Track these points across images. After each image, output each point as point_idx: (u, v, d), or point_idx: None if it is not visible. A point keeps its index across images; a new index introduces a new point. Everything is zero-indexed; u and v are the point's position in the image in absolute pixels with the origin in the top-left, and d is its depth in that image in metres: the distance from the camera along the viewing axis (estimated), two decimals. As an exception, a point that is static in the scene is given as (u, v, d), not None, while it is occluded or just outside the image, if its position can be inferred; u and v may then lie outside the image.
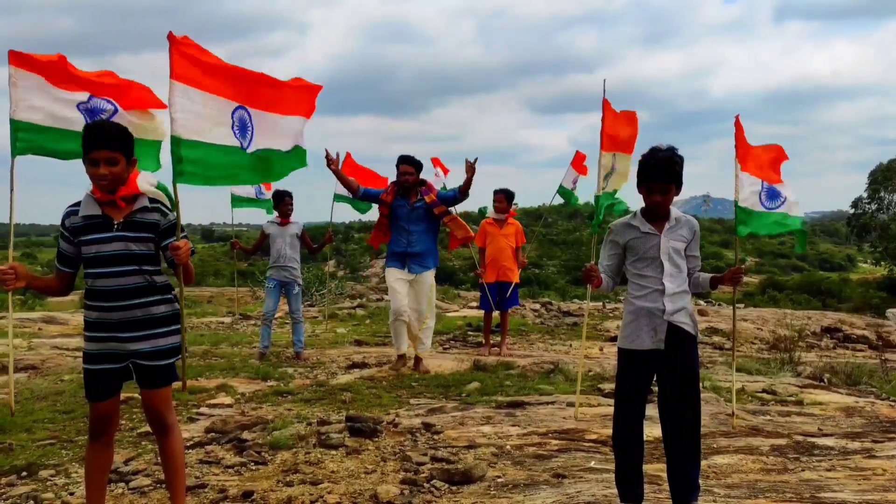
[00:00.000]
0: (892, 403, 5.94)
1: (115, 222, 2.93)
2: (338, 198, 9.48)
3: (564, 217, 69.13)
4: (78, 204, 2.98)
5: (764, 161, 5.01)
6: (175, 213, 3.14)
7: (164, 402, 3.06)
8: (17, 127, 4.24)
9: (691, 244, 3.39)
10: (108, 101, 4.50)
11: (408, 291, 6.55)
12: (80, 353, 7.34)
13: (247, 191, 10.30)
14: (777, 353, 8.12)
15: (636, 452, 3.42)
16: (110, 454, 3.14)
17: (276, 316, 7.99)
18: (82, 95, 4.44)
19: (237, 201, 10.38)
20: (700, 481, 3.49)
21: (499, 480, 3.93)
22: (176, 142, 3.99)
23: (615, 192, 5.65)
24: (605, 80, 5.21)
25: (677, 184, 3.26)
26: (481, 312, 8.96)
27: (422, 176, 6.76)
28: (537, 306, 12.97)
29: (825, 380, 6.66)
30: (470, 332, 9.70)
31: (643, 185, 3.25)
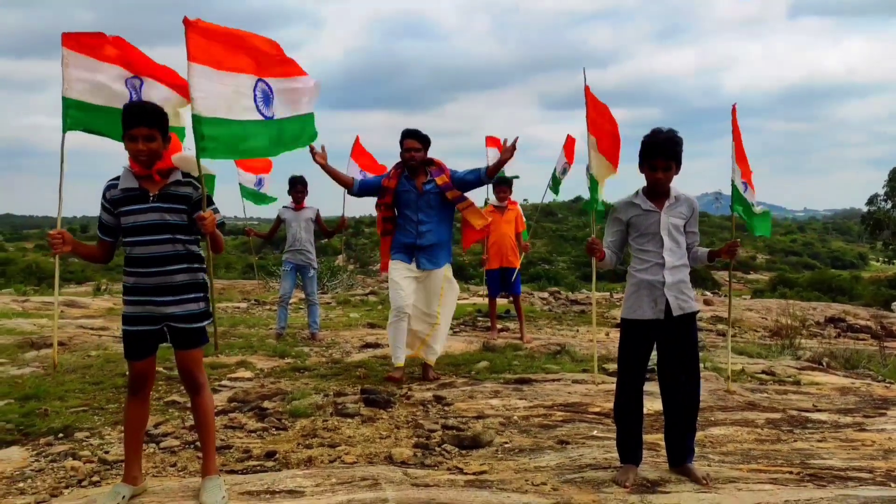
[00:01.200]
0: (888, 385, 6.13)
1: (151, 194, 3.17)
2: (244, 191, 9.44)
3: (575, 213, 69.25)
4: (117, 178, 3.23)
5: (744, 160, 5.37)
6: (202, 190, 3.38)
7: (196, 362, 3.30)
8: (67, 104, 4.54)
9: (690, 221, 3.61)
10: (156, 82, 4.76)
11: (415, 289, 5.61)
12: (104, 333, 7.62)
13: (248, 180, 10.34)
14: (779, 340, 8.31)
15: (636, 418, 3.64)
16: (147, 409, 3.39)
17: (291, 300, 8.24)
18: (128, 74, 4.71)
19: (244, 191, 10.40)
20: (695, 447, 3.74)
21: (506, 446, 4.16)
22: (197, 120, 4.27)
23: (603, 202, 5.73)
24: (584, 69, 5.48)
25: (677, 162, 3.47)
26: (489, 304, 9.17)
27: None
28: (545, 294, 13.20)
29: (824, 363, 6.85)
30: (479, 318, 9.93)
31: (646, 162, 3.47)
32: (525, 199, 8.75)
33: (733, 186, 5.24)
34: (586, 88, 5.41)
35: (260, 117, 4.61)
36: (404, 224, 5.62)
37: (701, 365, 6.06)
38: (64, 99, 4.56)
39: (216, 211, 3.33)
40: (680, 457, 3.64)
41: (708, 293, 15.31)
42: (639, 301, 3.52)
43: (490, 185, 8.33)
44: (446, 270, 5.74)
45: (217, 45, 4.44)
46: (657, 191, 3.51)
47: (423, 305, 5.67)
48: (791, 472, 3.73)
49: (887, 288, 34.70)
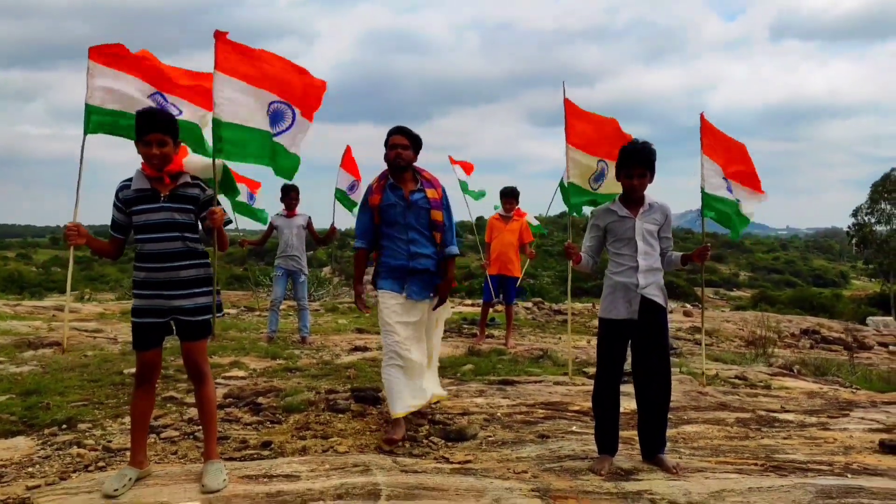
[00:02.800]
0: (854, 390, 6.43)
1: (162, 195, 3.41)
2: (236, 205, 9.71)
3: (560, 228, 69.80)
4: (130, 179, 3.47)
5: (733, 155, 5.68)
6: (212, 189, 3.62)
7: (201, 353, 3.52)
8: (89, 111, 4.86)
9: (664, 227, 3.89)
10: (175, 102, 5.04)
11: (411, 327, 4.52)
12: (98, 335, 7.77)
13: (241, 197, 10.47)
14: (753, 349, 8.61)
15: (613, 411, 3.91)
16: (152, 399, 3.61)
17: (282, 306, 8.43)
18: (151, 89, 5.01)
19: (236, 206, 10.55)
20: (667, 441, 4.00)
21: (489, 439, 4.40)
22: (217, 123, 4.65)
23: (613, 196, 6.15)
24: (563, 82, 5.95)
25: (651, 171, 3.77)
26: (476, 308, 9.43)
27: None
28: (530, 305, 13.48)
29: (795, 370, 7.15)
30: (465, 326, 10.17)
31: (622, 170, 3.76)
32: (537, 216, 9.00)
33: (703, 193, 5.60)
34: (566, 100, 5.77)
35: (269, 130, 4.92)
36: (391, 245, 4.48)
37: (676, 370, 6.35)
38: (86, 105, 4.90)
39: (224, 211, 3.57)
40: (652, 449, 3.91)
41: (688, 305, 15.66)
42: (615, 302, 3.79)
43: (498, 195, 8.63)
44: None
45: (243, 59, 4.84)
46: (632, 197, 3.79)
47: (420, 336, 4.61)
48: (756, 464, 4.00)
49: (867, 305, 35.28)
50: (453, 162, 9.98)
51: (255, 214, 10.30)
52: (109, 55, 4.91)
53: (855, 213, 42.17)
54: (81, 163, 4.82)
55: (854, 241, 42.75)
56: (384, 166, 4.58)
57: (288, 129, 5.03)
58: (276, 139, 4.94)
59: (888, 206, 40.52)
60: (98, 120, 4.88)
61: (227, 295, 18.35)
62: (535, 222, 9.45)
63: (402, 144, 4.48)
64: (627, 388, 4.13)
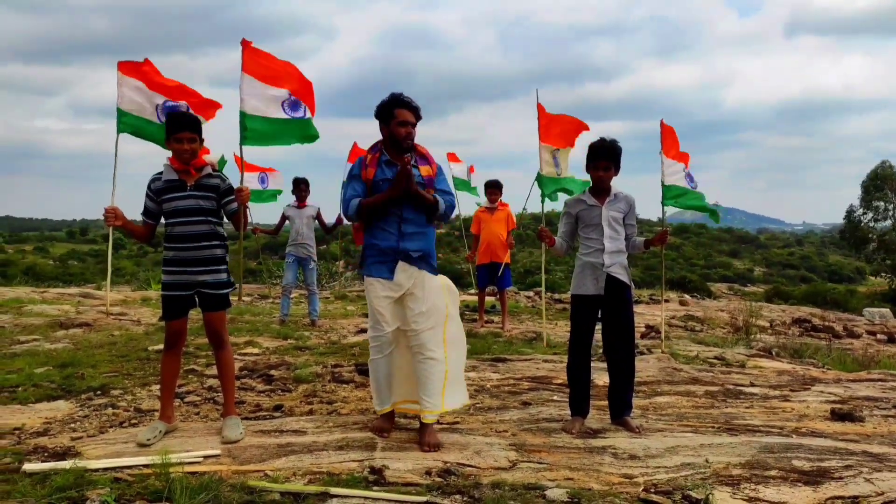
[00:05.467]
0: (825, 370, 6.88)
1: (189, 185, 3.93)
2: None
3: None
4: (160, 173, 4.00)
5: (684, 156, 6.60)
6: (229, 180, 4.14)
7: (221, 322, 4.05)
8: (120, 113, 5.97)
9: (628, 215, 4.37)
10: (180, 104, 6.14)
11: (400, 315, 4.05)
12: (123, 318, 8.35)
13: (250, 180, 11.18)
14: (736, 334, 9.06)
15: (584, 377, 4.40)
16: (179, 362, 4.15)
17: (293, 294, 8.99)
18: (161, 98, 6.01)
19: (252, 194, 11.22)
20: (633, 405, 4.50)
21: (477, 405, 4.91)
22: (243, 115, 6.03)
23: (571, 178, 7.20)
24: (536, 90, 7.13)
25: (616, 165, 4.25)
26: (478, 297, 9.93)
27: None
28: (531, 293, 13.97)
29: (773, 352, 7.60)
30: (467, 312, 10.67)
31: (591, 163, 4.26)
32: (524, 209, 9.38)
33: (662, 185, 6.57)
34: (539, 106, 6.97)
35: (287, 116, 6.06)
36: (382, 224, 4.01)
37: (659, 350, 6.83)
38: (118, 109, 6.01)
39: None
40: (619, 411, 4.41)
41: (686, 296, 16.10)
42: (583, 279, 4.29)
43: (482, 188, 9.22)
44: (441, 279, 4.19)
45: (264, 63, 6.19)
46: (599, 188, 4.29)
47: (413, 325, 4.00)
48: (713, 427, 4.49)
49: (881, 301, 35.24)
50: (452, 160, 10.67)
51: (267, 198, 11.17)
52: (135, 70, 5.97)
53: (849, 215, 40.71)
54: (116, 157, 5.59)
55: (850, 243, 41.59)
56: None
57: (302, 117, 6.13)
58: (293, 119, 6.05)
59: (881, 204, 39.49)
60: (127, 122, 5.89)
61: (243, 288, 18.99)
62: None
63: (412, 122, 4.02)
64: (600, 363, 4.62)
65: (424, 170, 4.06)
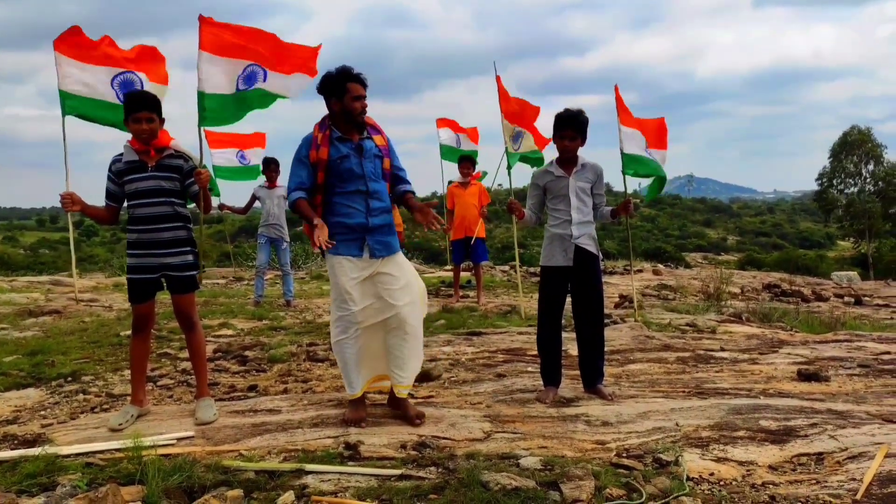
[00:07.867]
0: (793, 333, 7.02)
1: (149, 165, 3.86)
2: (219, 171, 10.45)
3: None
4: (121, 154, 3.92)
5: (648, 128, 6.66)
6: (193, 161, 4.07)
7: (190, 304, 4.01)
8: (63, 95, 5.49)
9: (596, 184, 4.38)
10: (136, 75, 5.66)
11: (371, 293, 3.88)
12: (94, 304, 8.24)
13: (229, 159, 11.07)
14: (709, 301, 9.20)
15: (555, 347, 4.44)
16: (148, 345, 4.12)
17: (267, 275, 8.95)
18: (116, 70, 5.62)
19: (220, 171, 11.00)
20: (605, 373, 4.55)
21: (452, 379, 4.94)
22: (201, 96, 5.52)
23: (532, 152, 7.71)
24: (494, 62, 7.34)
25: (582, 135, 4.25)
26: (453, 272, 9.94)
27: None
28: (507, 267, 14.03)
29: (743, 317, 7.73)
30: (443, 288, 10.70)
31: (556, 133, 4.26)
32: (500, 185, 9.38)
33: (622, 154, 6.68)
34: (497, 78, 7.31)
35: (241, 89, 5.79)
36: (345, 202, 3.84)
37: (632, 319, 6.90)
38: (60, 91, 5.58)
39: None
40: (592, 379, 4.45)
41: (660, 265, 16.27)
42: (552, 251, 4.30)
43: (455, 163, 9.19)
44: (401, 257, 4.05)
45: (223, 36, 5.72)
46: (565, 158, 4.29)
47: (384, 307, 3.88)
48: (684, 392, 4.56)
49: (849, 265, 36.07)
50: (440, 125, 10.79)
51: (245, 175, 10.99)
52: (73, 45, 5.63)
53: (820, 178, 42.53)
54: (65, 140, 5.42)
55: (821, 207, 43.29)
56: None
57: (263, 81, 5.83)
58: (247, 90, 5.69)
59: (850, 166, 40.96)
60: (72, 104, 5.59)
61: (217, 271, 18.84)
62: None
63: (363, 96, 3.91)
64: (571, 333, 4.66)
65: (378, 139, 3.96)
